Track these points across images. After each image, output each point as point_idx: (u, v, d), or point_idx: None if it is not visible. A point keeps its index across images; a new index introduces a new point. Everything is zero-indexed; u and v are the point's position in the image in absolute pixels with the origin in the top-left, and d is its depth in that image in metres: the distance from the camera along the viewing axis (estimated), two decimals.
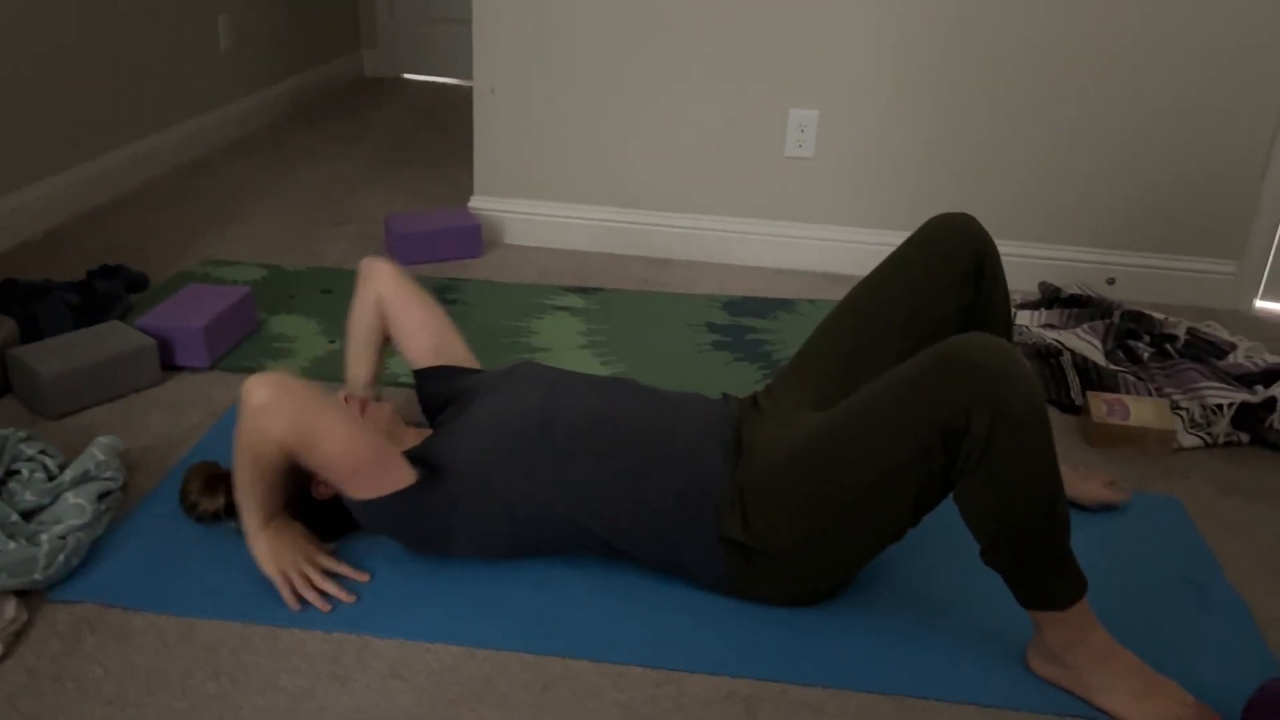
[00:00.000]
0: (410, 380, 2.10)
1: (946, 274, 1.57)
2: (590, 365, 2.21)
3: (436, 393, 1.71)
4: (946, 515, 1.49)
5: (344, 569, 1.52)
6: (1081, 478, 1.78)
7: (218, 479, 1.60)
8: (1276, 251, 2.65)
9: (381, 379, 1.87)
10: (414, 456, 1.50)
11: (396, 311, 1.76)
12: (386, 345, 1.82)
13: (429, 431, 1.67)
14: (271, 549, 1.48)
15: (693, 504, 1.44)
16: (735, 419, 1.54)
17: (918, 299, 1.57)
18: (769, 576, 1.45)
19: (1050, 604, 1.32)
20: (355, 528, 1.58)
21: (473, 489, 1.48)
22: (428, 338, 1.75)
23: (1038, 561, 1.30)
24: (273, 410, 1.37)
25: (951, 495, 1.33)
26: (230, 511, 1.56)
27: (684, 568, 1.49)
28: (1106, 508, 1.76)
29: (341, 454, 1.40)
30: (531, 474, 1.47)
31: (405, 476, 1.46)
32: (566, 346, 2.29)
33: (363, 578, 1.52)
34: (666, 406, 1.55)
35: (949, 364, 1.27)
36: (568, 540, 1.51)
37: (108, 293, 2.28)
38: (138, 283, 2.44)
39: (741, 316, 2.50)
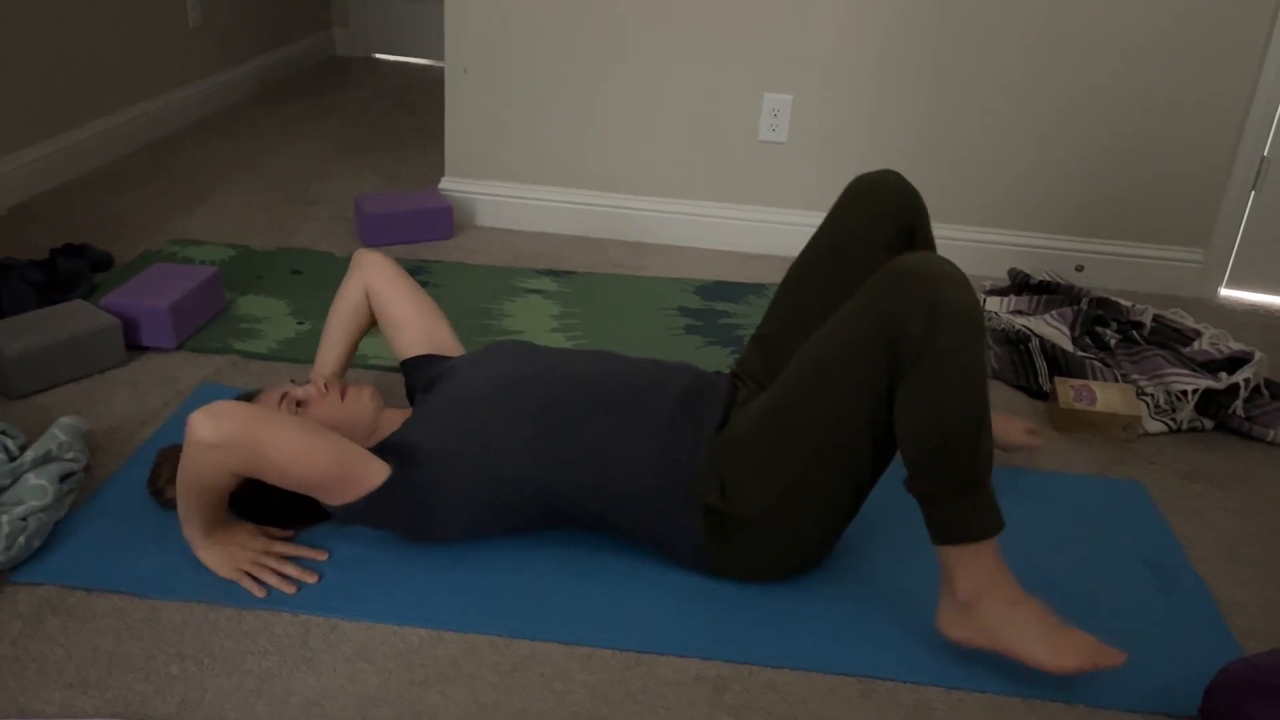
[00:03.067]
0: (380, 363, 2.09)
1: (882, 232, 1.60)
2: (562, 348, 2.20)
3: (421, 379, 1.70)
4: (910, 505, 1.50)
5: (302, 550, 1.51)
6: (1002, 419, 1.81)
7: None
8: (1241, 240, 2.68)
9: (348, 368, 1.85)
10: (391, 444, 1.49)
11: (385, 302, 1.75)
12: (365, 335, 1.81)
13: (410, 412, 1.66)
14: (225, 553, 1.47)
15: (673, 472, 1.45)
16: (729, 391, 1.55)
17: (864, 264, 1.59)
18: (745, 547, 1.46)
19: (965, 534, 1.31)
20: (322, 517, 1.57)
21: (454, 467, 1.46)
22: (417, 329, 1.74)
23: (960, 486, 1.30)
24: (223, 444, 1.35)
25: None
26: None
27: (664, 541, 1.50)
28: (1023, 450, 1.82)
29: (299, 468, 1.38)
30: (512, 442, 1.47)
31: (376, 474, 1.43)
32: (538, 329, 2.28)
33: (321, 556, 1.51)
34: (647, 376, 1.55)
35: (886, 278, 1.31)
36: (553, 510, 1.50)
37: (71, 271, 2.25)
38: (102, 262, 2.41)
39: (714, 301, 2.50)
